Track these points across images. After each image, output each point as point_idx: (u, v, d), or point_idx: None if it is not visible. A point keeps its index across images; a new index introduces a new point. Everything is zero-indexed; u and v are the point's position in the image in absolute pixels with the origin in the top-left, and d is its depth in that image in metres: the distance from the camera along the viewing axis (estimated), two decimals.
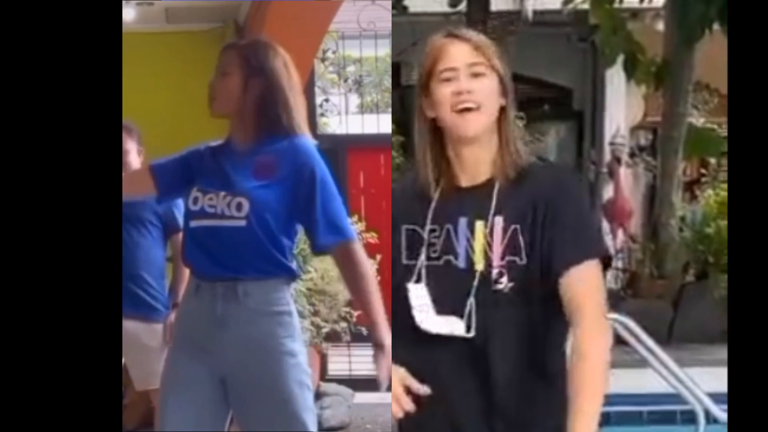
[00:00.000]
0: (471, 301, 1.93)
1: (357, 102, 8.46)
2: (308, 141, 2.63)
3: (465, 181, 2.02)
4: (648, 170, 9.75)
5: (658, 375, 3.75)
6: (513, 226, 1.96)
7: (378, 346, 2.53)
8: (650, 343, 3.64)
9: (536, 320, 1.96)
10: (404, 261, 2.03)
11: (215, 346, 2.54)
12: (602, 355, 1.90)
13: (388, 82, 7.93)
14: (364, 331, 5.25)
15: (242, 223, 2.52)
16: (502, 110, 2.00)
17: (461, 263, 1.98)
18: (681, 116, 7.75)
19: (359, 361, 6.15)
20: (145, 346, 3.68)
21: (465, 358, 1.95)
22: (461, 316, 1.94)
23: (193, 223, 2.60)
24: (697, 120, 8.10)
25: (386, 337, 2.51)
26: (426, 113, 2.02)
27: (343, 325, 5.15)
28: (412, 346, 2.03)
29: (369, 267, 2.64)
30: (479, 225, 1.97)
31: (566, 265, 1.93)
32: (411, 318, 2.00)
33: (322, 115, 7.69)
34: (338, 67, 7.79)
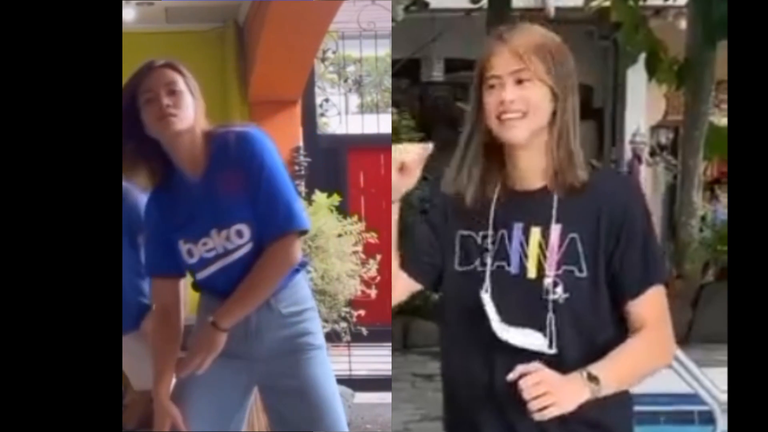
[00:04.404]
0: (551, 316, 1.85)
1: (357, 102, 8.46)
2: (241, 131, 2.46)
3: (520, 185, 1.93)
4: (668, 169, 9.71)
5: (676, 375, 3.72)
6: (571, 235, 1.88)
7: (215, 325, 2.40)
8: None
9: (593, 335, 1.89)
10: (457, 268, 1.96)
11: (249, 354, 2.50)
12: (659, 355, 1.93)
13: (388, 82, 7.93)
14: (364, 331, 5.26)
15: (249, 247, 2.43)
16: (555, 115, 1.89)
17: (513, 269, 1.91)
18: (703, 115, 7.71)
19: (359, 361, 6.18)
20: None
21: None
22: (515, 324, 1.87)
23: (200, 275, 2.49)
24: (719, 119, 8.05)
25: (227, 322, 2.40)
26: (480, 116, 1.91)
27: (343, 325, 5.15)
28: (468, 354, 1.95)
29: (284, 267, 2.46)
30: (535, 231, 1.90)
31: (639, 289, 1.88)
32: (467, 325, 1.92)
33: (322, 115, 7.70)
34: (338, 67, 7.80)
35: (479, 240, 1.95)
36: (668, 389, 4.15)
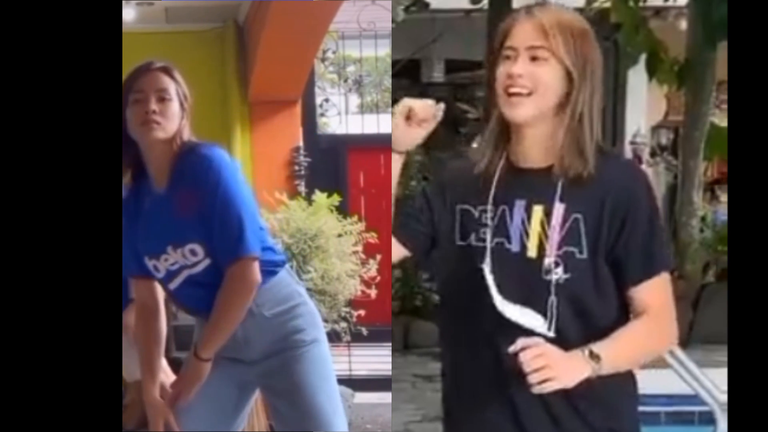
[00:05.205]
0: (553, 299, 1.84)
1: (357, 102, 8.44)
2: (204, 151, 2.42)
3: (524, 162, 1.90)
4: (669, 170, 9.70)
5: (676, 375, 3.72)
6: (575, 216, 1.85)
7: (197, 357, 2.44)
8: None
9: (593, 318, 1.88)
10: (458, 242, 1.94)
11: (244, 359, 2.52)
12: (661, 340, 1.94)
13: (388, 82, 7.91)
14: (364, 331, 5.24)
15: (207, 261, 2.42)
16: (568, 97, 1.85)
17: (514, 247, 1.88)
18: (703, 116, 7.71)
19: (359, 361, 6.16)
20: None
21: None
22: (514, 301, 1.86)
23: (171, 286, 2.49)
24: (720, 120, 8.05)
25: (207, 352, 2.43)
26: (492, 90, 1.89)
27: (343, 325, 5.12)
28: (468, 331, 1.93)
29: (245, 292, 2.42)
30: (537, 209, 1.87)
31: (641, 276, 1.87)
32: (472, 302, 1.90)
33: (322, 115, 7.68)
34: (338, 67, 7.77)
35: (477, 214, 1.93)
36: (668, 389, 4.15)
